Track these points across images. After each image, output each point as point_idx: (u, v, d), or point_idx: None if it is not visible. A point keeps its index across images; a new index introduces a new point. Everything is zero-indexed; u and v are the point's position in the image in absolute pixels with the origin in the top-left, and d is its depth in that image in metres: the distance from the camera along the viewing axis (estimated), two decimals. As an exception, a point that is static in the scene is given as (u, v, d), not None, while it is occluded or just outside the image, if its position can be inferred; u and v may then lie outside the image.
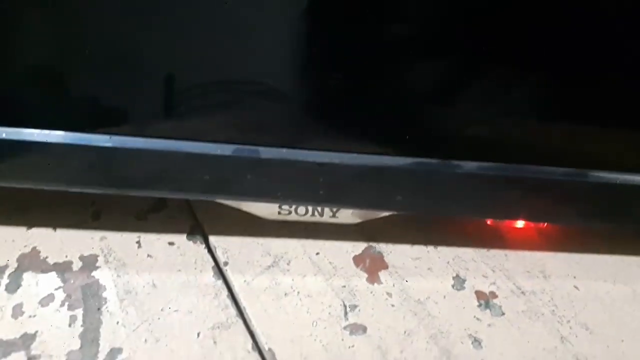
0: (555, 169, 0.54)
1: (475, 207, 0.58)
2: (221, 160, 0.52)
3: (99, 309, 0.55)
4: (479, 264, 0.63)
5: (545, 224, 0.66)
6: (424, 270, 0.62)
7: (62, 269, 0.58)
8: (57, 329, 0.53)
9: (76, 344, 0.52)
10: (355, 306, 0.57)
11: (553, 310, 0.59)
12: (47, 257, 0.59)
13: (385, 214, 0.61)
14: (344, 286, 0.59)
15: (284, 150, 0.52)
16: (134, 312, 0.55)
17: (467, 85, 0.52)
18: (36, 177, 0.53)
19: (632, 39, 0.48)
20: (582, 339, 0.57)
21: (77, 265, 0.59)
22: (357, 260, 0.62)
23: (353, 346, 0.54)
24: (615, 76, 0.51)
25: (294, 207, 0.60)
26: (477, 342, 0.55)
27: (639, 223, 0.59)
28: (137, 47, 0.49)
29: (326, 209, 0.61)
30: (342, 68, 0.50)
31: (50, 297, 0.56)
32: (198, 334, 0.54)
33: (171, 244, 0.62)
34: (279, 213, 0.61)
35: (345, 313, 0.57)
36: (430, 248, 0.64)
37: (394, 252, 0.63)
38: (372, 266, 0.62)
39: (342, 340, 0.55)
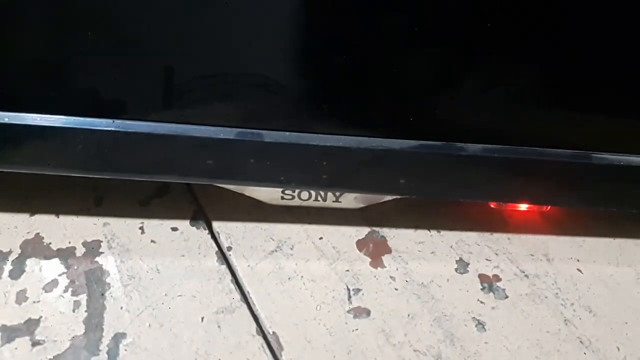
0: (560, 151, 0.53)
1: (479, 190, 0.58)
2: (224, 144, 0.52)
3: (102, 294, 0.55)
4: (482, 247, 0.63)
5: (549, 207, 0.66)
6: (427, 254, 0.62)
7: (65, 254, 0.58)
8: (61, 314, 0.53)
9: (80, 329, 0.52)
10: (358, 290, 0.57)
11: (556, 293, 0.59)
12: (50, 243, 0.59)
13: (389, 198, 0.61)
14: (348, 270, 0.59)
15: (288, 133, 0.52)
16: (138, 297, 0.55)
17: (471, 68, 0.51)
18: (39, 162, 0.53)
19: (634, 22, 0.48)
20: (586, 321, 0.57)
21: (80, 251, 0.59)
22: (361, 244, 0.62)
23: (357, 329, 0.54)
24: (618, 58, 0.50)
25: (297, 191, 0.60)
26: (480, 325, 0.56)
27: (642, 205, 0.59)
28: (141, 32, 0.49)
29: (329, 194, 0.61)
30: (345, 52, 0.50)
31: (54, 283, 0.56)
32: (202, 319, 0.54)
33: (174, 229, 0.62)
34: (282, 198, 0.61)
35: (349, 297, 0.57)
36: (434, 232, 0.64)
37: (397, 237, 0.63)
38: (376, 250, 0.62)
39: (346, 323, 0.55)
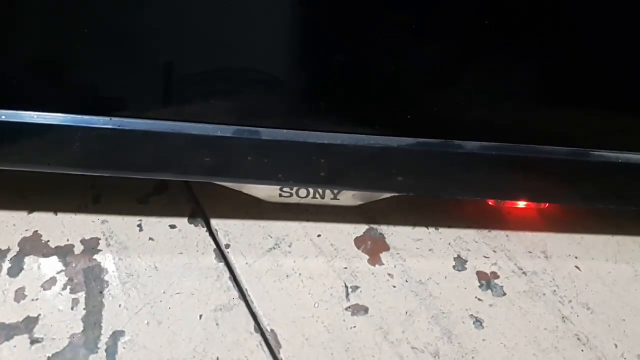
0: (557, 148, 0.53)
1: (477, 188, 0.58)
2: (222, 142, 0.52)
3: (101, 292, 0.55)
4: (480, 244, 0.63)
5: (547, 204, 0.66)
6: (425, 252, 0.62)
7: (63, 252, 0.58)
8: (60, 312, 0.54)
9: (79, 327, 0.53)
10: (356, 287, 0.58)
11: (554, 290, 0.59)
12: (48, 241, 0.59)
13: (387, 195, 0.61)
14: (346, 267, 0.59)
15: (285, 131, 0.52)
16: (136, 295, 0.55)
17: (469, 65, 0.51)
18: (36, 160, 0.53)
19: (631, 18, 0.48)
20: (583, 318, 0.57)
21: (78, 248, 0.59)
22: (359, 242, 0.62)
23: (355, 327, 0.54)
24: (616, 55, 0.50)
25: (295, 189, 0.60)
26: (478, 322, 0.56)
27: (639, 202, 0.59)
28: (138, 30, 0.49)
29: (327, 191, 0.61)
30: (342, 49, 0.50)
31: (52, 281, 0.56)
32: (200, 316, 0.54)
33: (172, 226, 0.62)
34: (280, 195, 0.61)
35: (347, 294, 0.57)
36: (432, 229, 0.64)
37: (395, 234, 0.63)
38: (374, 248, 0.62)
39: (344, 321, 0.55)
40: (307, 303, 0.56)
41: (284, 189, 0.60)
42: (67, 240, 0.60)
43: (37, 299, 0.54)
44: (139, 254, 0.59)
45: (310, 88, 0.53)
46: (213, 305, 0.55)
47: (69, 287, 0.56)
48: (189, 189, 0.66)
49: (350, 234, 0.63)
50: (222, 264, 0.59)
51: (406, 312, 0.56)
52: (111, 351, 0.51)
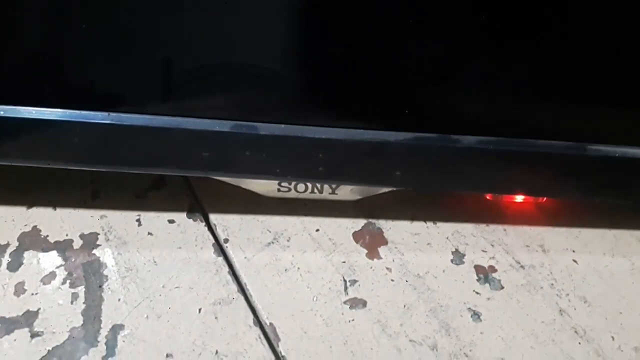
0: (555, 142, 0.53)
1: (475, 182, 0.58)
2: (220, 137, 0.52)
3: (100, 286, 0.56)
4: (478, 238, 0.63)
5: (545, 198, 0.66)
6: (423, 246, 0.62)
7: (63, 247, 0.59)
8: (59, 306, 0.54)
9: (78, 321, 0.53)
10: (355, 281, 0.58)
11: (552, 284, 0.59)
12: (47, 236, 0.59)
13: (385, 190, 0.61)
14: (344, 262, 0.59)
15: (283, 126, 0.52)
16: (136, 289, 0.56)
17: (467, 59, 0.51)
18: (35, 155, 0.53)
19: (627, 13, 0.48)
20: (581, 311, 0.57)
21: (77, 243, 0.59)
22: (357, 236, 0.62)
23: (353, 320, 0.55)
24: (614, 49, 0.50)
25: (293, 184, 0.60)
26: (476, 315, 0.56)
27: (637, 196, 0.59)
28: (136, 24, 0.49)
29: (325, 186, 0.61)
30: (340, 43, 0.50)
31: (51, 275, 0.56)
32: (199, 310, 0.54)
33: (171, 221, 0.62)
34: (279, 190, 0.61)
35: (345, 288, 0.57)
36: (430, 224, 0.64)
37: (394, 228, 0.63)
38: (372, 242, 0.62)
39: (342, 314, 0.55)
40: (305, 297, 0.56)
41: (283, 184, 0.60)
42: (66, 235, 0.60)
43: (36, 293, 0.55)
44: (138, 248, 0.59)
45: (308, 83, 0.53)
46: (212, 299, 0.55)
47: (68, 281, 0.56)
48: (187, 184, 0.66)
49: (348, 228, 0.63)
50: (221, 259, 0.59)
51: (404, 306, 0.56)
52: (111, 345, 0.51)
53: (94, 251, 0.59)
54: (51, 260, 0.57)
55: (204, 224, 0.62)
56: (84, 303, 0.54)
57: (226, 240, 0.60)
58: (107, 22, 0.48)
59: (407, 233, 0.63)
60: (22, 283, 0.55)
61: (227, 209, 0.63)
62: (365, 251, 0.61)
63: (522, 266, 0.61)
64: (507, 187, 0.60)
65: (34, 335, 0.51)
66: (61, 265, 0.57)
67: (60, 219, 0.61)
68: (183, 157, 0.54)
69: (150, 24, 0.49)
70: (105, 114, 0.50)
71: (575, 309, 0.57)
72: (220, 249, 0.60)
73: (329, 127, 0.52)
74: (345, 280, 0.58)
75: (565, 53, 0.51)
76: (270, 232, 0.62)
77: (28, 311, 0.53)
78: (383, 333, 0.54)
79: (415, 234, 0.63)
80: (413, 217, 0.65)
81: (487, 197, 0.66)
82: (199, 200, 0.65)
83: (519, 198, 0.66)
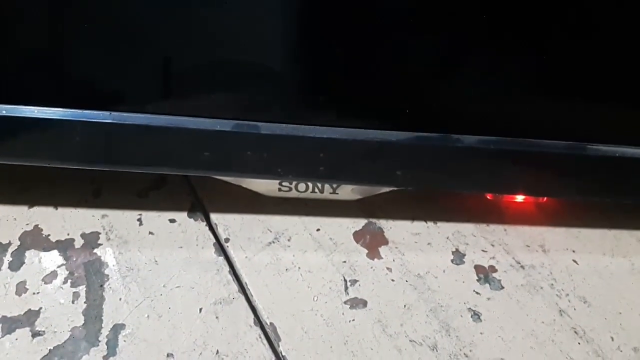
0: (555, 142, 0.54)
1: (475, 182, 0.58)
2: (221, 136, 0.52)
3: (101, 285, 0.56)
4: (478, 238, 0.63)
5: (545, 198, 0.66)
6: (423, 246, 0.62)
7: (64, 246, 0.59)
8: (61, 305, 0.54)
9: (80, 320, 0.53)
10: (355, 281, 0.58)
11: (552, 284, 0.59)
12: (49, 235, 0.60)
13: (386, 189, 0.62)
14: (345, 261, 0.60)
15: (284, 125, 0.52)
16: (137, 289, 0.56)
17: (467, 59, 0.51)
18: (37, 154, 0.53)
19: (628, 12, 0.48)
20: (581, 311, 0.57)
21: (79, 242, 0.59)
22: (358, 236, 0.62)
23: (353, 320, 0.55)
24: (614, 49, 0.51)
25: (294, 183, 0.60)
26: (476, 315, 0.56)
27: (637, 196, 0.60)
28: (137, 24, 0.49)
29: (326, 186, 0.61)
30: (341, 43, 0.50)
31: (53, 274, 0.56)
32: (200, 310, 0.54)
33: (172, 221, 0.62)
34: (280, 190, 0.61)
35: (346, 288, 0.57)
36: (430, 223, 0.64)
37: (394, 228, 0.63)
38: (372, 242, 0.62)
39: (343, 314, 0.55)
40: (306, 297, 0.56)
41: (284, 183, 0.60)
42: (68, 234, 0.60)
43: (38, 293, 0.55)
44: (139, 248, 0.59)
45: (309, 82, 0.53)
46: (213, 299, 0.55)
47: (69, 280, 0.56)
48: (188, 183, 0.66)
49: (349, 228, 0.63)
50: (221, 258, 0.59)
51: (405, 306, 0.56)
52: (112, 344, 0.51)
53: (95, 250, 0.59)
54: (52, 259, 0.58)
55: (205, 223, 0.62)
56: (85, 302, 0.54)
57: (227, 240, 0.60)
58: (108, 22, 0.48)
59: (408, 233, 0.63)
60: (23, 282, 0.55)
61: (228, 209, 0.63)
62: (366, 251, 0.61)
63: (522, 266, 0.61)
64: (508, 186, 0.60)
65: (35, 334, 0.52)
66: (62, 265, 0.57)
67: (61, 218, 0.61)
68: (184, 157, 0.54)
69: (152, 24, 0.49)
70: (107, 113, 0.51)
71: (575, 309, 0.57)
72: (221, 248, 0.60)
73: (330, 126, 0.52)
74: (345, 280, 0.58)
75: (565, 53, 0.51)
76: (271, 231, 0.62)
77: (29, 310, 0.53)
78: (383, 333, 0.54)
79: (415, 234, 0.63)
80: (414, 217, 0.65)
81: (488, 197, 0.67)
82: (200, 200, 0.65)
83: (520, 198, 0.66)
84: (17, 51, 0.49)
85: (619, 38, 0.50)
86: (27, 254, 0.58)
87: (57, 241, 0.59)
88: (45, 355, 0.50)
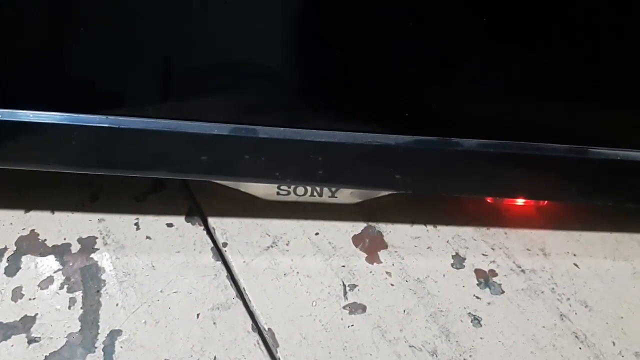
0: (556, 145, 0.53)
1: (475, 185, 0.57)
2: (219, 140, 0.52)
3: (98, 291, 0.55)
4: (478, 242, 0.63)
5: (545, 201, 0.66)
6: (423, 250, 0.62)
7: (60, 251, 0.58)
8: (57, 311, 0.53)
9: (76, 326, 0.52)
10: (354, 286, 0.57)
11: (553, 288, 0.59)
12: (45, 240, 0.59)
13: (385, 193, 0.61)
14: (344, 266, 0.59)
15: (282, 129, 0.52)
16: (134, 294, 0.55)
17: (467, 62, 0.51)
18: (33, 158, 0.53)
19: (629, 15, 0.48)
20: (582, 316, 0.57)
21: (75, 247, 0.59)
22: (357, 240, 0.62)
23: (352, 325, 0.54)
24: (615, 52, 0.50)
25: (292, 187, 0.60)
26: (476, 320, 0.56)
27: (638, 199, 0.59)
28: (135, 27, 0.48)
29: (325, 189, 0.60)
30: (340, 46, 0.49)
31: (49, 280, 0.56)
32: (198, 315, 0.54)
33: (170, 225, 0.62)
34: (278, 193, 0.61)
35: (345, 292, 0.57)
36: (430, 227, 0.64)
37: (394, 232, 0.63)
38: (372, 246, 0.61)
39: (342, 319, 0.55)
40: (304, 302, 0.56)
41: (282, 187, 0.60)
42: (64, 239, 0.59)
43: (34, 298, 0.54)
44: (136, 252, 0.59)
45: (307, 86, 0.53)
46: (210, 304, 0.55)
47: (66, 286, 0.55)
48: (186, 188, 0.66)
49: (348, 232, 0.63)
50: (219, 263, 0.59)
51: (404, 311, 0.56)
52: (108, 350, 0.51)
53: (92, 255, 0.58)
54: (49, 264, 0.57)
55: (202, 227, 0.62)
56: (81, 308, 0.54)
57: (225, 244, 0.60)
58: (105, 25, 0.48)
59: (407, 237, 0.63)
60: (19, 288, 0.55)
61: (226, 213, 0.63)
62: (365, 255, 0.60)
63: (522, 270, 0.60)
64: (508, 190, 0.59)
65: (31, 340, 0.51)
66: (59, 270, 0.57)
67: (58, 222, 0.61)
68: (182, 161, 0.54)
69: (149, 27, 0.48)
70: (104, 117, 0.50)
71: (576, 313, 0.57)
72: (219, 253, 0.59)
73: (328, 130, 0.52)
74: (344, 285, 0.57)
75: (566, 55, 0.50)
76: (269, 235, 0.61)
77: (25, 316, 0.53)
78: (383, 338, 0.53)
79: (415, 238, 0.63)
80: (413, 221, 0.64)
81: (488, 201, 0.66)
82: (197, 204, 0.64)
83: (520, 201, 0.66)
84: (12, 55, 0.49)
85: (619, 41, 0.49)
86: (24, 259, 0.57)
87: (53, 246, 0.59)
88: (41, 362, 0.50)
